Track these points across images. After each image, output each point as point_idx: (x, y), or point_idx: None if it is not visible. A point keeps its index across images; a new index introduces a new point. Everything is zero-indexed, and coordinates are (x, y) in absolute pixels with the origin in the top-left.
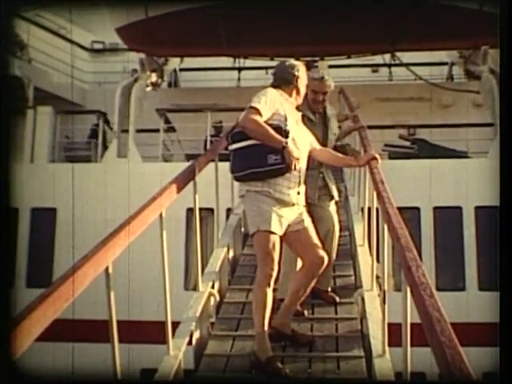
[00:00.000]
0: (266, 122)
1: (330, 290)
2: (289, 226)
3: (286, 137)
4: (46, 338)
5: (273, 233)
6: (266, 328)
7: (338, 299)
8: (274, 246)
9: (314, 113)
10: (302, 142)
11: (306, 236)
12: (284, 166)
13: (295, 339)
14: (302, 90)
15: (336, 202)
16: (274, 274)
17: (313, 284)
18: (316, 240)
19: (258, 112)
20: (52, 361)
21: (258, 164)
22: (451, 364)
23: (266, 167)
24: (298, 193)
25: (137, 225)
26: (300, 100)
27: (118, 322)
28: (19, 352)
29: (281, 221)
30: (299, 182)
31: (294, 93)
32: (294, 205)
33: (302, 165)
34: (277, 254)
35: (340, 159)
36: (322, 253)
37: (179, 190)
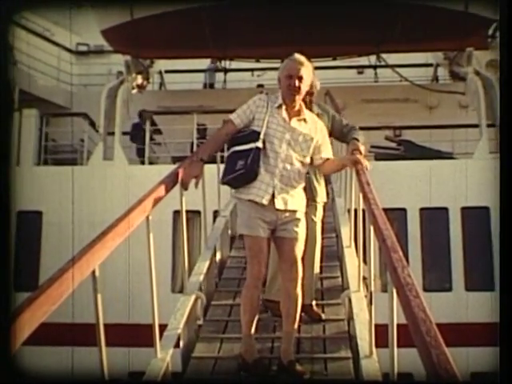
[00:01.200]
0: (246, 127)
1: (315, 303)
2: (273, 230)
3: (257, 140)
4: (37, 342)
5: (258, 236)
6: (252, 330)
7: (323, 316)
8: (260, 248)
9: None
10: (285, 144)
11: (287, 248)
12: (244, 172)
13: (289, 370)
14: (283, 85)
15: (324, 205)
16: (261, 276)
17: (300, 299)
18: (296, 256)
19: (231, 123)
20: (42, 364)
21: (231, 170)
22: (437, 364)
23: (234, 173)
24: (273, 196)
25: (123, 228)
26: (290, 96)
27: (106, 325)
28: (8, 355)
29: (262, 223)
30: (273, 185)
31: (281, 93)
32: (275, 209)
33: (278, 168)
34: (264, 256)
35: (337, 163)
36: (296, 274)
37: (165, 192)
